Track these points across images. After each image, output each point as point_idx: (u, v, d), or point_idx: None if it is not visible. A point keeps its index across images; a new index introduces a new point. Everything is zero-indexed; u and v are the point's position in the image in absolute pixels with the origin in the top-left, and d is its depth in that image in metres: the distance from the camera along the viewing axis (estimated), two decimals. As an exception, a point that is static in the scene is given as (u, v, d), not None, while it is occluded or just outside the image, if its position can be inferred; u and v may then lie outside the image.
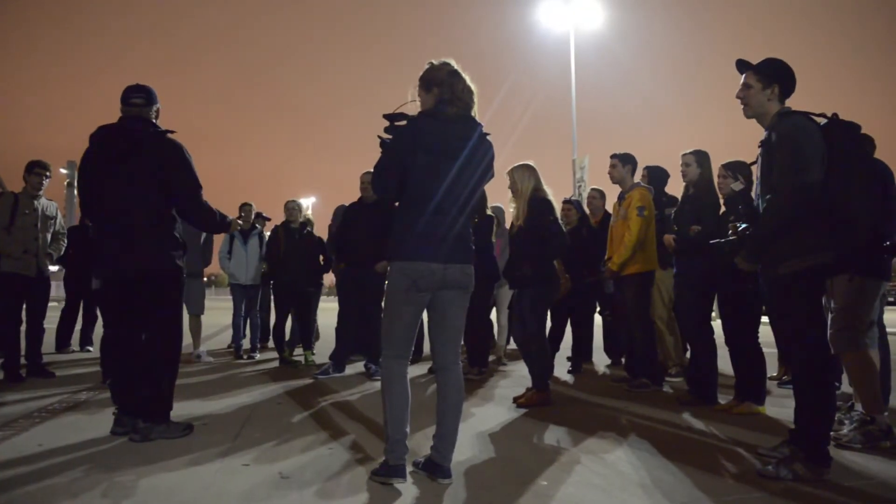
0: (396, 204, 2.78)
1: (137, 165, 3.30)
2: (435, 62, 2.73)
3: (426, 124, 2.63)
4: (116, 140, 3.34)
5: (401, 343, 2.67)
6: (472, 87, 2.70)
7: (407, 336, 2.68)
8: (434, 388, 2.89)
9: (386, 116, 2.72)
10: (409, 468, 2.67)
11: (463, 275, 2.70)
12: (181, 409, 3.81)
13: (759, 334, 4.22)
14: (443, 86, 2.65)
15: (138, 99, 3.42)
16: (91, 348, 7.40)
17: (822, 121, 2.81)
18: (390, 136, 2.69)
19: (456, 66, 2.69)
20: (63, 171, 23.00)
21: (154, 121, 3.47)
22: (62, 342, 7.45)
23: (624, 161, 5.18)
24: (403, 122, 2.68)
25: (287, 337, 6.73)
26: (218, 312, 14.11)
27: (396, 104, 2.78)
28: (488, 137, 2.75)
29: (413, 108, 2.74)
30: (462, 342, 3.12)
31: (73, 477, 2.64)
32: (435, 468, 2.63)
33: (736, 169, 4.21)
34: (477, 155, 2.68)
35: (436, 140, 2.60)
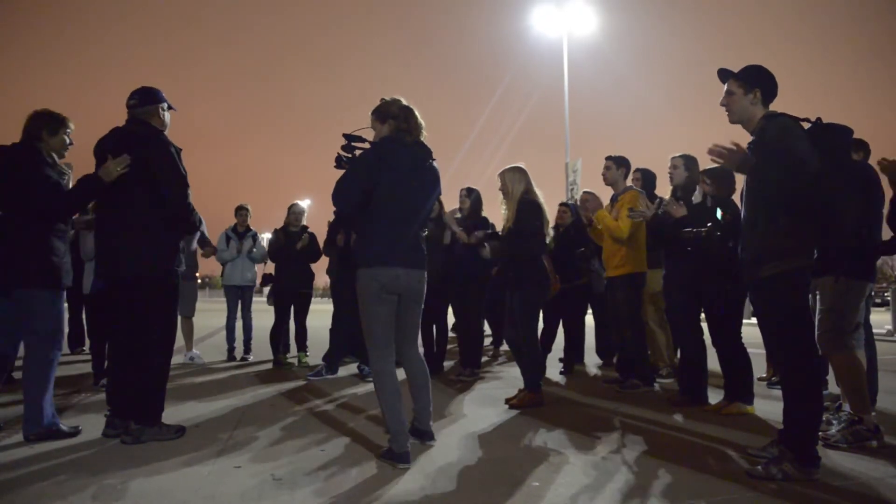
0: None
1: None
2: (387, 98, 3.18)
3: (389, 148, 3.04)
4: (108, 143, 3.34)
5: (383, 343, 3.02)
6: (422, 122, 3.16)
7: (387, 335, 3.03)
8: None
9: (346, 136, 3.16)
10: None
11: (418, 281, 3.10)
12: (173, 411, 3.81)
13: (746, 335, 4.25)
14: (398, 118, 3.10)
15: (132, 101, 3.45)
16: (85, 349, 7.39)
17: (807, 125, 2.84)
18: (349, 155, 3.12)
19: (406, 103, 3.16)
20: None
21: (152, 121, 3.44)
22: (75, 342, 7.51)
23: (618, 163, 5.22)
24: (363, 144, 3.13)
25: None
26: (211, 314, 14.05)
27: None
28: (434, 163, 3.20)
29: (369, 133, 3.19)
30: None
31: (63, 479, 2.63)
32: (421, 433, 3.21)
33: (716, 175, 4.22)
34: (428, 176, 3.14)
35: (398, 162, 3.02)
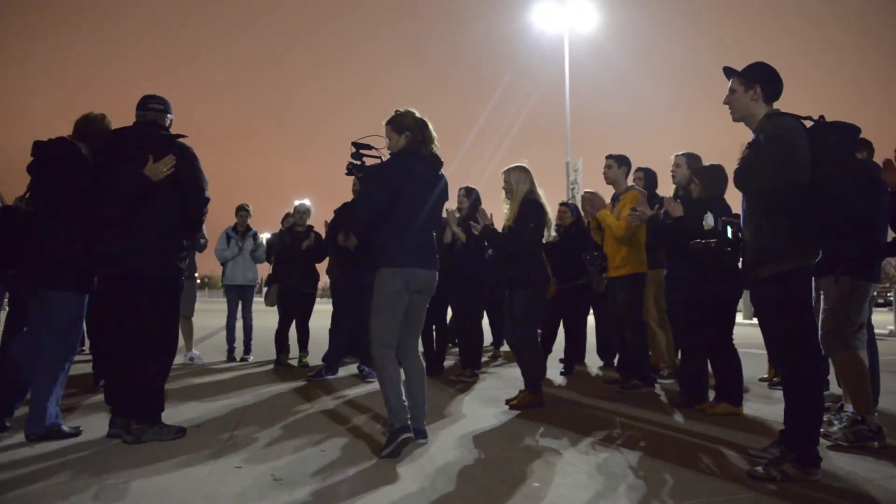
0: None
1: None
2: (401, 110, 3.35)
3: (411, 159, 3.27)
4: (130, 142, 3.37)
5: (390, 335, 3.23)
6: (435, 134, 3.37)
7: (395, 328, 3.25)
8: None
9: (354, 144, 3.40)
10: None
11: (434, 279, 3.38)
12: (174, 412, 3.82)
13: (747, 335, 4.24)
14: (414, 131, 3.30)
15: (157, 105, 3.53)
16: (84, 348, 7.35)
17: (809, 123, 2.84)
18: (357, 162, 3.40)
19: (419, 115, 3.34)
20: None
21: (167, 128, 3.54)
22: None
23: (619, 162, 5.21)
24: (371, 151, 3.41)
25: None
26: (211, 314, 14.06)
27: (391, 111, 3.35)
28: (442, 171, 3.43)
29: (376, 140, 3.42)
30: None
31: (65, 479, 2.63)
32: (415, 432, 3.20)
33: (705, 175, 4.20)
34: (440, 184, 3.41)
35: (418, 172, 3.27)
